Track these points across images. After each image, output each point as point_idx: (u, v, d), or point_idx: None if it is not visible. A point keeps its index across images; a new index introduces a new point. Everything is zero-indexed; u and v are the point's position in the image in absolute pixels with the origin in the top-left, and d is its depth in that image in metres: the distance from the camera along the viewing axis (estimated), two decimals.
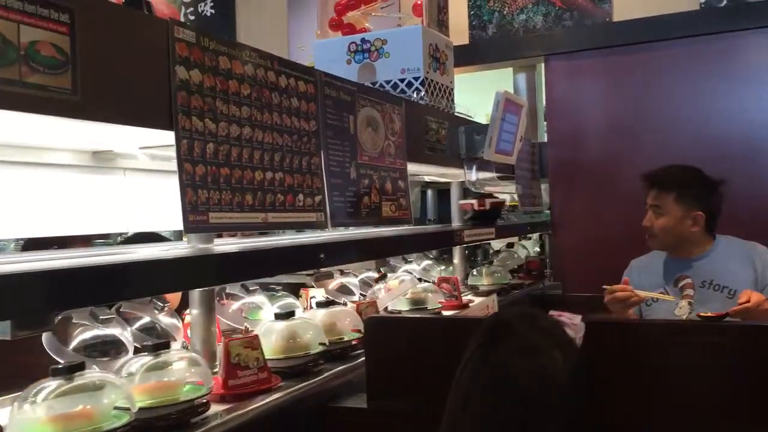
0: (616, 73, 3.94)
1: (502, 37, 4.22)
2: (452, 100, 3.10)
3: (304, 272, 2.52)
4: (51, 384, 1.25)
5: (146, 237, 2.51)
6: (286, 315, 1.89)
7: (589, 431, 1.35)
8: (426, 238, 2.82)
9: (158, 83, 1.42)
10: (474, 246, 4.26)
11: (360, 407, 1.77)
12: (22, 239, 2.53)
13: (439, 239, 3.01)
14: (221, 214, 1.55)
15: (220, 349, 1.70)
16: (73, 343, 1.64)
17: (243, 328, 2.05)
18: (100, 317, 1.70)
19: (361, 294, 2.71)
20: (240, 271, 1.69)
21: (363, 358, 1.97)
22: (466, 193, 3.43)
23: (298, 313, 2.11)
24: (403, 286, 2.65)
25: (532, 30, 4.15)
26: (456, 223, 3.51)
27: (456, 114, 3.10)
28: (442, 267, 3.53)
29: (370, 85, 2.80)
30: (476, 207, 3.25)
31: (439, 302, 2.67)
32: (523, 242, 4.66)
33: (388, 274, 2.90)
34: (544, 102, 4.32)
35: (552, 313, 1.47)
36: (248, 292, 2.20)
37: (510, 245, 4.56)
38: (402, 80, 2.83)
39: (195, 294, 1.75)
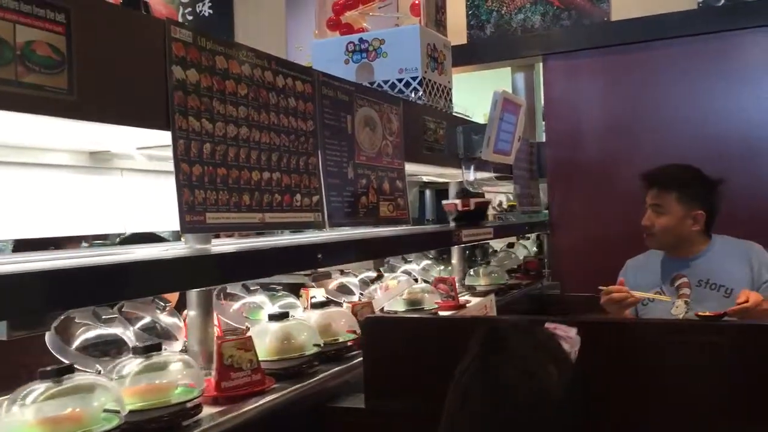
0: (614, 73, 3.94)
1: (500, 36, 4.22)
2: (450, 100, 3.10)
3: (302, 272, 2.52)
4: (39, 387, 1.23)
5: (143, 237, 2.50)
6: (281, 316, 1.87)
7: None
8: (424, 238, 2.81)
9: (155, 83, 1.42)
10: (473, 246, 4.25)
11: (358, 407, 1.77)
12: (14, 240, 2.53)
13: (436, 239, 3.00)
14: (218, 214, 1.55)
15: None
16: (76, 343, 1.64)
17: (244, 327, 2.05)
18: (103, 317, 1.71)
19: (360, 294, 2.71)
20: (238, 271, 1.69)
21: (358, 360, 1.96)
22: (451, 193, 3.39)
23: (298, 312, 2.11)
24: (400, 287, 2.64)
25: (530, 30, 4.15)
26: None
27: (454, 114, 3.10)
28: (441, 267, 3.53)
29: (368, 85, 2.80)
30: (460, 207, 3.14)
31: (436, 303, 2.66)
32: (524, 242, 4.66)
33: (385, 275, 2.89)
34: (542, 102, 4.32)
35: (547, 325, 1.46)
36: (249, 291, 2.20)
37: (510, 245, 4.56)
38: (400, 80, 2.83)
39: (192, 294, 1.74)
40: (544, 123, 4.38)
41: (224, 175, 1.57)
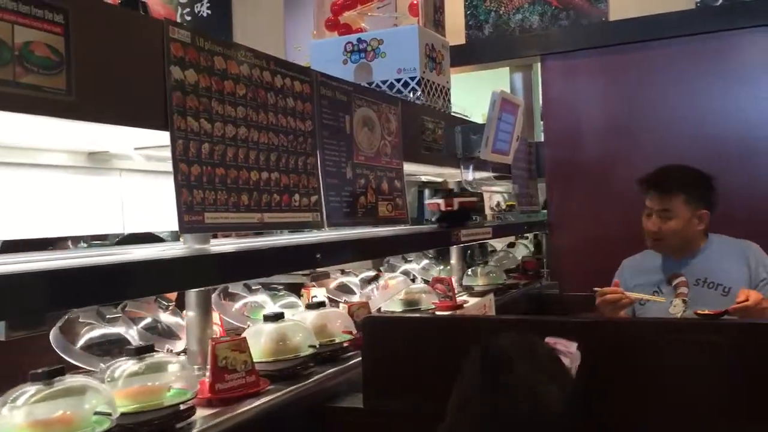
0: (612, 73, 3.94)
1: (498, 36, 4.23)
2: (449, 100, 3.10)
3: (301, 272, 2.52)
4: (30, 389, 1.22)
5: (141, 237, 2.51)
6: (276, 317, 1.85)
7: None
8: (422, 238, 2.81)
9: (153, 83, 1.42)
10: (474, 246, 4.25)
11: (357, 407, 1.77)
12: (3, 241, 2.52)
13: (435, 239, 3.00)
14: (217, 214, 1.55)
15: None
16: (80, 342, 1.65)
17: (246, 326, 2.05)
18: (107, 316, 1.71)
19: (362, 293, 2.71)
20: (236, 271, 1.68)
21: (355, 360, 1.96)
22: (434, 192, 3.31)
23: (294, 313, 2.11)
24: (396, 287, 2.63)
25: (529, 30, 4.16)
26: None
27: (452, 114, 3.10)
28: (441, 267, 3.53)
29: (367, 85, 2.80)
30: (443, 207, 2.95)
31: (433, 303, 2.65)
32: (525, 242, 4.66)
33: (383, 274, 2.89)
34: (540, 102, 4.32)
35: (548, 340, 1.45)
36: (251, 291, 2.20)
37: (511, 245, 4.56)
38: (398, 80, 2.83)
39: (191, 294, 1.74)
40: (542, 123, 4.38)
41: (223, 175, 1.57)
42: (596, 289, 2.43)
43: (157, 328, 1.88)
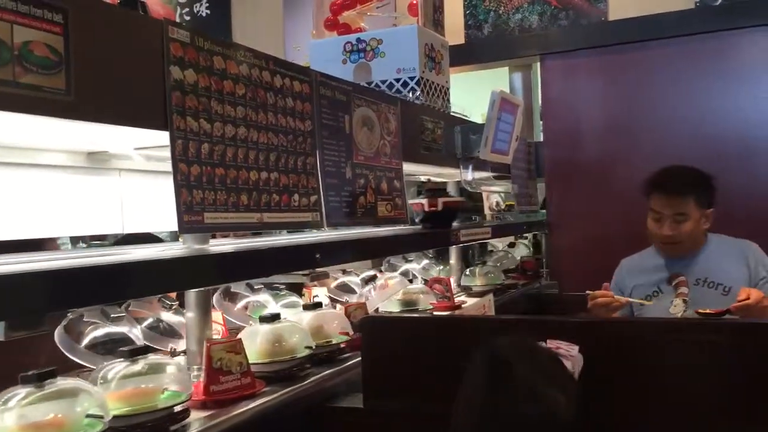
0: (611, 73, 3.94)
1: (497, 36, 4.23)
2: (448, 100, 3.10)
3: (301, 272, 2.52)
4: (20, 392, 1.20)
5: (140, 238, 2.51)
6: (272, 318, 1.84)
7: None
8: (422, 238, 2.81)
9: (153, 83, 1.42)
10: (475, 246, 4.26)
11: (356, 407, 1.76)
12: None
13: (434, 239, 3.00)
14: (216, 214, 1.55)
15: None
16: (85, 341, 1.65)
17: (249, 326, 2.05)
18: (111, 315, 1.71)
19: (359, 294, 2.70)
20: (236, 271, 1.68)
21: (351, 362, 1.96)
22: (418, 192, 3.24)
23: (291, 314, 2.11)
24: (394, 288, 2.62)
25: (528, 29, 4.16)
26: (453, 223, 3.51)
27: (452, 114, 3.10)
28: (441, 267, 3.53)
29: (366, 85, 2.80)
30: (427, 207, 2.80)
31: (431, 303, 2.65)
32: (526, 242, 4.65)
33: (378, 275, 2.87)
34: (540, 101, 4.32)
35: (549, 343, 1.45)
36: (253, 290, 2.21)
37: (512, 245, 4.55)
38: (397, 80, 2.83)
39: (191, 294, 1.74)
40: (541, 123, 4.38)
41: (222, 175, 1.57)
42: (588, 292, 2.43)
43: (161, 328, 1.88)
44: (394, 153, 2.42)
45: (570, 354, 1.42)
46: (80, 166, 1.81)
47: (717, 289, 2.45)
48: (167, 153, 1.45)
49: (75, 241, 3.29)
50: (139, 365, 1.41)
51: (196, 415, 1.47)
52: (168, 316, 1.91)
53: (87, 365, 1.64)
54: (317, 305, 2.12)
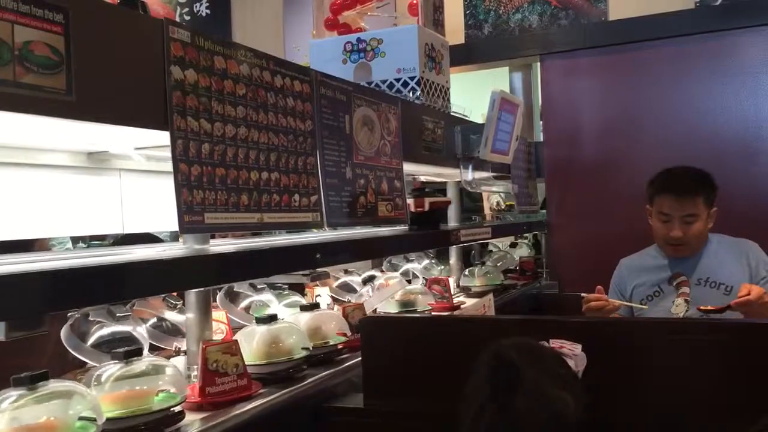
0: (611, 72, 3.94)
1: (497, 36, 4.23)
2: (448, 100, 3.10)
3: (301, 272, 2.52)
4: (12, 394, 1.19)
5: (139, 238, 2.51)
6: (269, 319, 1.82)
7: None
8: (421, 238, 2.81)
9: (153, 83, 1.42)
10: (477, 246, 4.26)
11: (357, 407, 1.76)
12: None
13: (434, 239, 3.00)
14: (217, 214, 1.55)
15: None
16: (91, 340, 1.65)
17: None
18: (117, 314, 1.71)
19: (357, 294, 2.70)
20: (236, 271, 1.68)
21: (349, 363, 1.95)
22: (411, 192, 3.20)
23: (291, 314, 2.11)
24: (392, 288, 2.61)
25: (528, 29, 4.16)
26: (453, 223, 3.51)
27: (452, 113, 3.10)
28: (442, 267, 3.53)
29: (366, 85, 2.79)
30: (412, 208, 2.76)
31: (429, 304, 2.64)
32: (527, 242, 4.65)
33: (377, 275, 2.87)
34: (539, 101, 4.32)
35: (553, 343, 1.45)
36: (256, 290, 2.21)
37: (513, 245, 4.55)
38: (398, 80, 2.83)
39: (191, 294, 1.74)
40: (541, 122, 4.38)
41: (223, 175, 1.57)
42: (583, 294, 2.42)
43: (165, 327, 1.89)
44: (395, 153, 2.42)
45: (573, 353, 1.43)
46: (80, 166, 1.81)
47: (719, 288, 2.45)
48: (168, 153, 1.45)
49: (75, 241, 3.29)
50: (134, 367, 1.40)
51: (191, 417, 1.46)
52: (172, 316, 1.92)
53: (93, 363, 1.64)
54: (315, 306, 2.12)
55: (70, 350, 1.62)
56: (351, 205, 2.11)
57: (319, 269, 2.45)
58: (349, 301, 2.57)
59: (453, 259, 3.53)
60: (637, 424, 1.52)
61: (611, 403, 1.49)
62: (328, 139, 2.01)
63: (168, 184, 1.45)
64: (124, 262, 1.37)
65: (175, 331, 1.86)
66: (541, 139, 4.32)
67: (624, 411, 1.52)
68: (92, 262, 1.34)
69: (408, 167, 2.58)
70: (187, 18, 5.04)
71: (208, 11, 5.06)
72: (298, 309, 2.10)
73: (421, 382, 1.69)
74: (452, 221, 3.54)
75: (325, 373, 1.86)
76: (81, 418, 1.21)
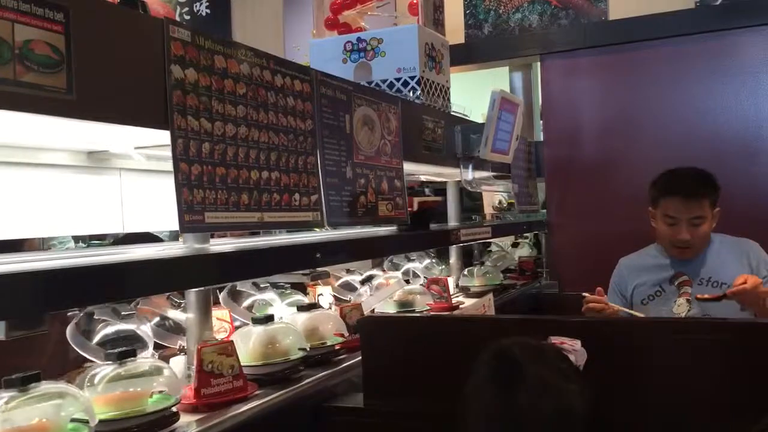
0: (611, 72, 3.94)
1: (497, 36, 4.23)
2: (448, 99, 3.10)
3: (301, 272, 2.52)
4: (3, 396, 1.18)
5: (139, 237, 2.51)
6: (265, 319, 1.81)
7: None
8: (422, 238, 2.81)
9: (154, 82, 1.41)
10: (479, 245, 4.26)
11: (357, 407, 1.76)
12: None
13: (434, 238, 3.00)
14: (217, 213, 1.54)
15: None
16: (96, 338, 1.65)
17: None
18: (122, 313, 1.71)
19: (355, 294, 2.70)
20: (237, 270, 1.68)
21: (346, 364, 1.94)
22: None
23: (288, 315, 2.10)
24: (390, 289, 2.60)
25: (528, 29, 4.16)
26: (453, 223, 3.51)
27: (452, 113, 3.10)
28: (443, 266, 3.53)
29: (366, 85, 2.79)
30: None
31: (427, 304, 2.63)
32: (528, 241, 4.65)
33: (375, 275, 2.86)
34: (540, 101, 4.32)
35: (553, 340, 1.46)
36: (259, 289, 2.21)
37: (515, 245, 4.55)
38: (398, 79, 2.83)
39: (191, 294, 1.74)
40: (541, 122, 4.38)
41: (223, 175, 1.57)
42: (585, 294, 2.42)
43: (170, 325, 1.89)
44: (395, 152, 2.42)
45: (573, 348, 1.43)
46: (81, 166, 1.81)
47: (721, 288, 2.44)
48: (168, 152, 1.44)
49: (75, 240, 3.29)
50: (128, 368, 1.39)
51: (186, 419, 1.45)
52: (176, 314, 1.92)
53: (99, 362, 1.64)
54: (312, 306, 2.10)
55: (76, 348, 1.62)
56: (351, 205, 2.11)
57: (319, 269, 2.45)
58: (350, 301, 2.56)
59: (453, 259, 3.53)
60: (638, 423, 1.52)
61: (613, 402, 1.49)
62: (328, 138, 2.00)
63: (168, 184, 1.45)
64: (125, 262, 1.37)
65: (179, 330, 1.86)
66: (542, 139, 4.32)
67: (625, 411, 1.51)
68: (93, 261, 1.34)
69: (408, 167, 2.58)
70: (187, 18, 5.04)
71: (208, 11, 5.06)
72: (298, 309, 2.10)
73: (421, 381, 1.69)
74: (452, 221, 3.54)
75: (323, 374, 1.85)
76: (73, 420, 1.19)
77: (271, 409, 1.60)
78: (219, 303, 2.14)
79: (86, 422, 1.21)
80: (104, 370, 1.38)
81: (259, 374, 1.72)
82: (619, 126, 3.92)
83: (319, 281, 2.53)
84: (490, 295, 3.00)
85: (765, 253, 2.54)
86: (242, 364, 1.65)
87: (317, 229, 2.29)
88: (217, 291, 2.14)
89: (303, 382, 1.76)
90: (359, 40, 2.90)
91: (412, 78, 2.81)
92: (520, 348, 1.35)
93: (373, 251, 2.68)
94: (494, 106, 2.93)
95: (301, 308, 2.07)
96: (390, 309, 2.56)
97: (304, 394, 1.73)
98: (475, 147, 2.98)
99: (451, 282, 3.12)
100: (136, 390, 1.37)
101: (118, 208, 1.93)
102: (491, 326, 1.85)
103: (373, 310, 2.51)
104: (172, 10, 4.99)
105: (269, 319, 1.82)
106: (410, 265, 3.33)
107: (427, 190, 4.09)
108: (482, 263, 3.75)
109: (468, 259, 4.01)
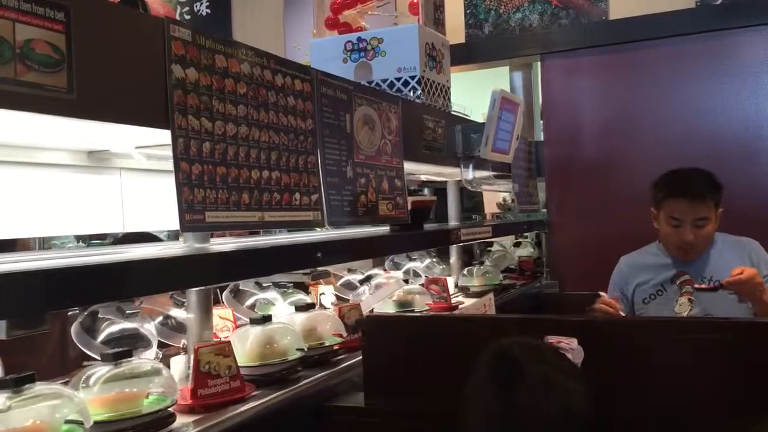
0: (612, 72, 3.94)
1: (498, 35, 4.22)
2: (449, 99, 3.10)
3: (301, 271, 2.52)
4: None
5: (138, 237, 2.51)
6: (263, 319, 1.80)
7: None
8: (422, 237, 2.81)
9: (154, 82, 1.41)
10: (481, 244, 4.26)
11: (358, 406, 1.76)
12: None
13: (435, 238, 3.00)
14: (218, 213, 1.54)
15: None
16: (101, 337, 1.66)
17: None
18: (127, 312, 1.71)
19: (354, 294, 2.70)
20: (237, 270, 1.68)
21: (346, 364, 1.94)
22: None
23: (286, 315, 2.10)
24: (388, 289, 2.60)
25: (528, 29, 4.15)
26: (453, 222, 3.51)
27: (452, 113, 3.10)
28: (444, 265, 3.53)
29: (367, 84, 2.79)
30: None
31: (427, 304, 2.62)
32: (530, 241, 4.64)
33: (373, 275, 2.85)
34: (540, 100, 4.32)
35: (550, 339, 1.46)
36: (261, 288, 2.21)
37: (517, 244, 4.55)
38: (398, 79, 2.83)
39: (191, 294, 1.74)
40: (542, 122, 4.38)
41: (224, 174, 1.56)
42: (602, 293, 2.41)
43: (173, 324, 1.89)
44: (395, 152, 2.42)
45: (570, 347, 1.43)
46: (81, 165, 1.81)
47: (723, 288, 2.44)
48: (168, 152, 1.44)
49: (75, 240, 3.29)
50: (123, 369, 1.37)
51: (182, 420, 1.44)
52: (179, 313, 1.92)
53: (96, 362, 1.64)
54: (310, 306, 2.10)
55: (81, 347, 1.62)
56: (352, 204, 2.11)
57: (319, 268, 2.45)
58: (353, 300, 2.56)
59: (453, 259, 3.53)
60: (638, 423, 1.52)
61: (613, 402, 1.49)
62: (328, 138, 2.00)
63: (169, 183, 1.45)
64: (126, 261, 1.37)
65: (182, 328, 1.86)
66: (542, 139, 4.32)
67: (625, 411, 1.51)
68: (93, 260, 1.34)
69: (409, 166, 2.58)
70: (188, 17, 5.04)
71: (209, 10, 5.05)
72: (296, 309, 2.10)
73: (422, 381, 1.69)
74: (452, 220, 3.54)
75: (321, 374, 1.84)
76: (68, 422, 1.18)
77: (268, 410, 1.59)
78: (222, 302, 2.14)
79: (81, 424, 1.19)
80: (100, 370, 1.36)
81: (257, 375, 1.71)
82: (619, 126, 3.92)
83: (321, 280, 2.52)
84: (491, 295, 3.00)
85: (765, 252, 2.54)
86: (240, 364, 1.64)
87: (318, 229, 2.29)
88: (218, 291, 2.15)
89: (301, 383, 1.75)
90: (360, 39, 2.90)
91: (412, 78, 2.81)
92: (520, 348, 1.35)
93: (373, 251, 2.68)
94: (495, 106, 2.93)
95: (299, 308, 2.06)
96: (389, 309, 2.55)
97: (303, 395, 1.72)
98: (476, 147, 2.98)
99: (450, 282, 3.12)
100: (132, 391, 1.36)
101: (119, 208, 1.93)
102: (492, 326, 1.85)
103: (372, 310, 2.50)
104: (173, 9, 4.99)
105: (267, 319, 1.81)
106: (411, 265, 3.33)
107: (426, 191, 4.10)
108: (482, 263, 3.75)
109: (469, 258, 4.01)
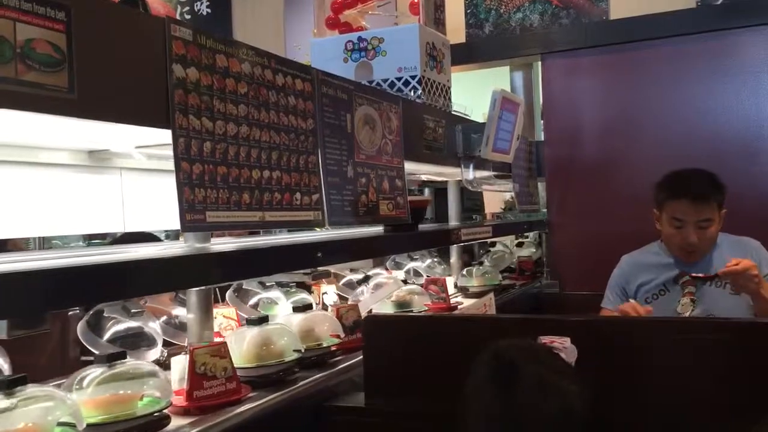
0: (612, 72, 3.94)
1: (498, 35, 4.22)
2: (449, 99, 3.10)
3: (302, 271, 2.52)
4: None
5: (138, 237, 2.51)
6: (259, 320, 1.79)
7: None
8: (422, 237, 2.81)
9: (155, 81, 1.41)
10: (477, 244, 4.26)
11: (358, 406, 1.76)
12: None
13: (435, 238, 3.00)
14: (218, 212, 1.54)
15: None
16: (106, 336, 1.66)
17: None
18: (132, 311, 1.72)
19: (353, 294, 2.70)
20: (238, 270, 1.68)
21: (345, 364, 1.93)
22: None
23: (283, 315, 2.10)
24: (387, 289, 2.59)
25: (529, 28, 4.15)
26: (453, 222, 3.51)
27: (453, 112, 3.10)
28: (445, 265, 3.53)
29: (367, 84, 2.79)
30: None
31: (425, 305, 2.62)
32: (532, 241, 4.64)
33: (372, 275, 2.84)
34: (541, 100, 4.32)
35: (543, 339, 1.46)
36: (265, 287, 2.20)
37: (520, 244, 4.55)
38: (399, 79, 2.82)
39: (192, 293, 1.74)
40: (542, 122, 4.38)
41: (224, 174, 1.56)
42: (632, 300, 2.38)
43: (177, 323, 1.89)
44: (396, 152, 2.42)
45: (564, 346, 1.43)
46: (82, 165, 1.81)
47: (725, 288, 2.44)
48: (169, 151, 1.44)
49: (75, 239, 3.30)
50: (117, 370, 1.36)
51: (177, 422, 1.43)
52: (183, 312, 1.92)
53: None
54: (308, 306, 2.09)
55: (87, 345, 1.62)
56: (352, 204, 2.11)
57: (320, 268, 2.45)
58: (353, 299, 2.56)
59: (453, 259, 3.53)
60: (638, 423, 1.52)
61: (612, 402, 1.49)
62: (329, 137, 2.00)
63: (169, 183, 1.45)
64: (126, 261, 1.37)
65: (185, 328, 1.87)
66: (542, 139, 4.32)
67: (625, 411, 1.51)
68: (94, 260, 1.34)
69: (409, 166, 2.58)
70: (188, 17, 5.03)
71: (209, 10, 5.05)
72: (293, 310, 2.10)
73: (423, 381, 1.69)
74: (452, 220, 3.54)
75: (319, 375, 1.83)
76: (60, 424, 1.16)
77: (265, 412, 1.58)
78: (224, 301, 2.14)
79: (73, 426, 1.18)
80: (93, 372, 1.35)
81: (253, 376, 1.70)
82: (619, 126, 3.91)
83: (323, 280, 2.52)
84: (491, 295, 3.00)
85: (766, 251, 2.54)
86: (236, 365, 1.63)
87: (318, 229, 2.28)
88: (217, 290, 2.14)
89: (298, 384, 1.74)
90: (360, 39, 2.90)
91: (413, 77, 2.81)
92: (516, 348, 1.36)
93: (373, 251, 2.68)
94: (495, 106, 2.93)
95: (297, 309, 2.05)
96: (387, 309, 2.55)
97: (300, 396, 1.71)
98: (476, 146, 2.98)
99: (450, 282, 3.12)
100: (126, 393, 1.34)
101: (119, 208, 1.93)
102: (493, 326, 1.85)
103: (371, 310, 2.50)
104: (173, 9, 4.99)
105: (263, 320, 1.80)
106: (412, 264, 3.33)
107: (427, 191, 4.11)
108: (481, 263, 3.75)
109: (470, 258, 4.01)
